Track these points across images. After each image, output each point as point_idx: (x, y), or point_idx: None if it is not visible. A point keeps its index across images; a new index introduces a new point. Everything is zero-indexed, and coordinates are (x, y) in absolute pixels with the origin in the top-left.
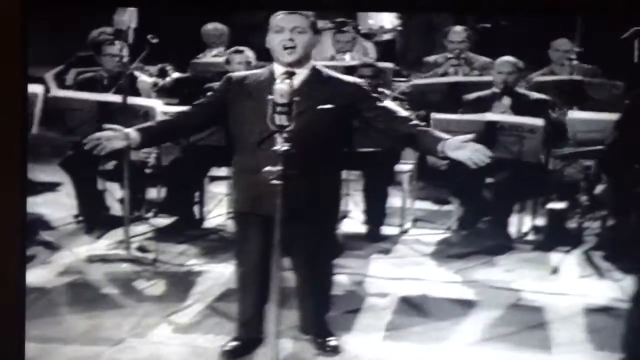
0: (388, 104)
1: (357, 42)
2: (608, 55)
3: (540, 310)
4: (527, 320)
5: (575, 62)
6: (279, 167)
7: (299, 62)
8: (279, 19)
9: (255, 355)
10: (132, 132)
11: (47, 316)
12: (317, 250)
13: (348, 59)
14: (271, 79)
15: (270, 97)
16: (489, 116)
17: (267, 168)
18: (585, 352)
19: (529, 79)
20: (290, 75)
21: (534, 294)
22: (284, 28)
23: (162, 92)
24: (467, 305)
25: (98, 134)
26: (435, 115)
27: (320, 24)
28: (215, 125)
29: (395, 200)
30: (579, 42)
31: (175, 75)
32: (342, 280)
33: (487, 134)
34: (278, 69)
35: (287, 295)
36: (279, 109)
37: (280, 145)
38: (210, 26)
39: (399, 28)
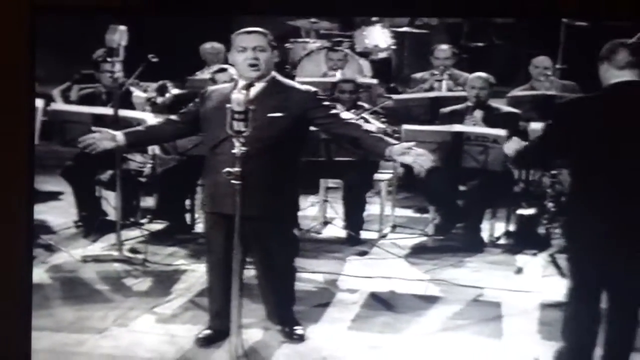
0: (342, 112)
1: (348, 60)
2: (589, 72)
3: (499, 305)
4: (484, 314)
5: (552, 78)
6: (237, 169)
7: (262, 77)
8: (241, 38)
9: (223, 343)
10: (119, 134)
11: (41, 309)
12: (274, 247)
13: (339, 76)
14: (233, 90)
15: (228, 105)
16: (456, 127)
17: (226, 169)
18: (532, 341)
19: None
20: (248, 86)
21: (495, 291)
22: (247, 47)
23: (163, 109)
24: (431, 300)
25: (90, 135)
26: (406, 127)
27: (318, 44)
28: (192, 133)
29: (376, 207)
30: (561, 60)
31: (175, 91)
32: (316, 278)
33: (455, 144)
34: (241, 82)
35: (253, 289)
36: (236, 116)
37: (238, 148)
38: (208, 45)
39: (393, 47)
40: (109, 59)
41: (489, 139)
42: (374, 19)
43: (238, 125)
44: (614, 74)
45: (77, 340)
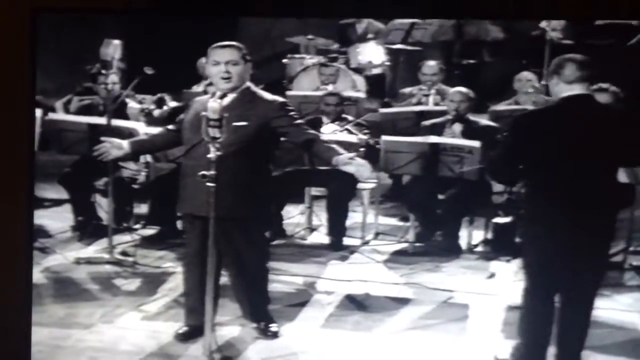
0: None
1: (340, 75)
2: None
3: (467, 307)
4: (451, 315)
5: (532, 92)
6: (212, 172)
7: (235, 88)
8: (215, 52)
9: (200, 339)
10: (125, 143)
11: (33, 305)
12: (243, 248)
13: (330, 90)
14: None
15: (203, 113)
16: (432, 138)
17: (202, 172)
18: (494, 340)
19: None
20: (222, 96)
21: (465, 294)
22: (220, 61)
23: (157, 120)
24: (403, 302)
25: (102, 145)
26: (385, 138)
27: (315, 60)
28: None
29: (360, 215)
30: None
31: (172, 104)
32: (296, 280)
33: (432, 155)
34: (217, 93)
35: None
36: (211, 123)
37: (213, 153)
38: (204, 59)
39: (387, 63)
40: (103, 72)
41: (464, 150)
42: (369, 35)
43: (213, 132)
44: (563, 88)
45: (64, 334)
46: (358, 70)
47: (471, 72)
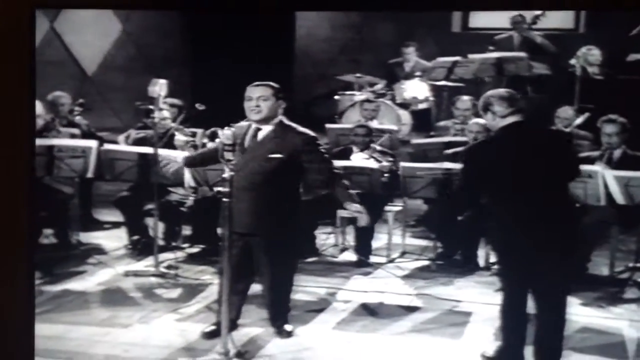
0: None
1: (382, 110)
2: None
3: (468, 315)
4: (452, 320)
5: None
6: (227, 189)
7: (265, 120)
8: (249, 90)
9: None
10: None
11: (79, 309)
12: (274, 264)
13: (373, 124)
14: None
15: (218, 140)
16: (446, 164)
17: (217, 189)
18: (486, 342)
19: None
20: (258, 129)
21: (469, 304)
22: (252, 97)
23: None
24: (411, 310)
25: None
26: (403, 164)
27: (363, 96)
28: None
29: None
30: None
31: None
32: (318, 290)
33: (445, 179)
34: (254, 125)
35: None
36: (226, 147)
37: (228, 173)
38: None
39: (431, 98)
40: (151, 107)
41: None
42: (416, 73)
43: (227, 155)
44: (500, 121)
45: (104, 332)
46: (404, 105)
47: None
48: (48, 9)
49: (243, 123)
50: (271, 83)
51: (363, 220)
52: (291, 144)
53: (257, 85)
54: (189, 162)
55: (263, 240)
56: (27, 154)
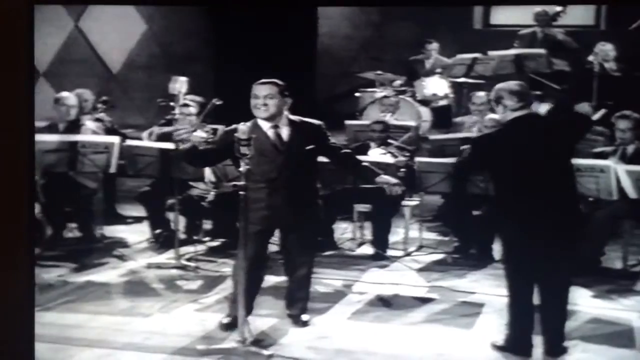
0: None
1: (401, 106)
2: None
3: (480, 305)
4: (464, 311)
5: None
6: (242, 183)
7: (273, 117)
8: (256, 88)
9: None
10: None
11: (101, 299)
12: (297, 254)
13: (388, 118)
14: (256, 126)
15: (235, 134)
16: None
17: (233, 183)
18: (497, 332)
19: None
20: (275, 126)
21: (482, 295)
22: (259, 95)
23: None
24: (425, 301)
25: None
26: (418, 159)
27: (384, 93)
28: None
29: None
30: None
31: None
32: (334, 283)
33: None
34: (260, 122)
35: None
36: (242, 142)
37: (243, 167)
38: None
39: (451, 95)
40: (171, 104)
41: None
42: (437, 70)
43: (243, 150)
44: (510, 114)
45: (126, 321)
46: (425, 102)
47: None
48: (47, 4)
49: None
50: (277, 80)
51: (396, 189)
52: (312, 134)
53: (264, 83)
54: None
55: (291, 231)
56: (27, 150)
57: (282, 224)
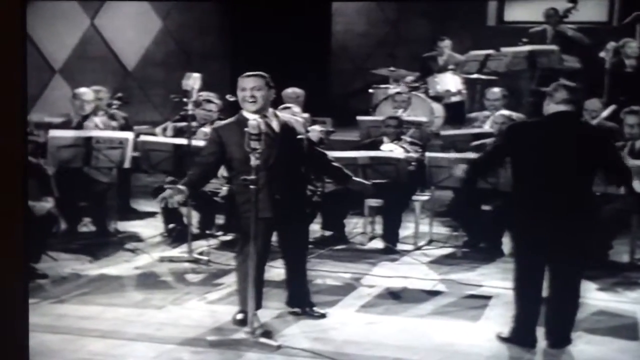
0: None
1: (413, 102)
2: None
3: (488, 299)
4: (472, 304)
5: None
6: (252, 177)
7: (261, 110)
8: (242, 80)
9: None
10: (182, 187)
11: (115, 292)
12: (291, 245)
13: (400, 114)
14: (243, 120)
15: (246, 129)
16: (469, 155)
17: (243, 177)
18: (503, 324)
19: None
20: (264, 116)
21: (490, 288)
22: (246, 88)
23: None
24: (433, 294)
25: (165, 194)
26: (428, 154)
27: (398, 89)
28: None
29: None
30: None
31: None
32: (344, 276)
33: None
34: (247, 115)
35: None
36: (252, 137)
37: (254, 161)
38: (290, 90)
39: (464, 91)
40: (184, 100)
41: None
42: (449, 66)
43: (254, 144)
44: (552, 107)
45: (138, 313)
46: (438, 98)
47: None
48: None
49: (227, 121)
50: (262, 73)
51: (368, 190)
52: (299, 128)
53: (249, 75)
54: (191, 190)
55: (286, 222)
56: (20, 148)
57: (278, 213)
